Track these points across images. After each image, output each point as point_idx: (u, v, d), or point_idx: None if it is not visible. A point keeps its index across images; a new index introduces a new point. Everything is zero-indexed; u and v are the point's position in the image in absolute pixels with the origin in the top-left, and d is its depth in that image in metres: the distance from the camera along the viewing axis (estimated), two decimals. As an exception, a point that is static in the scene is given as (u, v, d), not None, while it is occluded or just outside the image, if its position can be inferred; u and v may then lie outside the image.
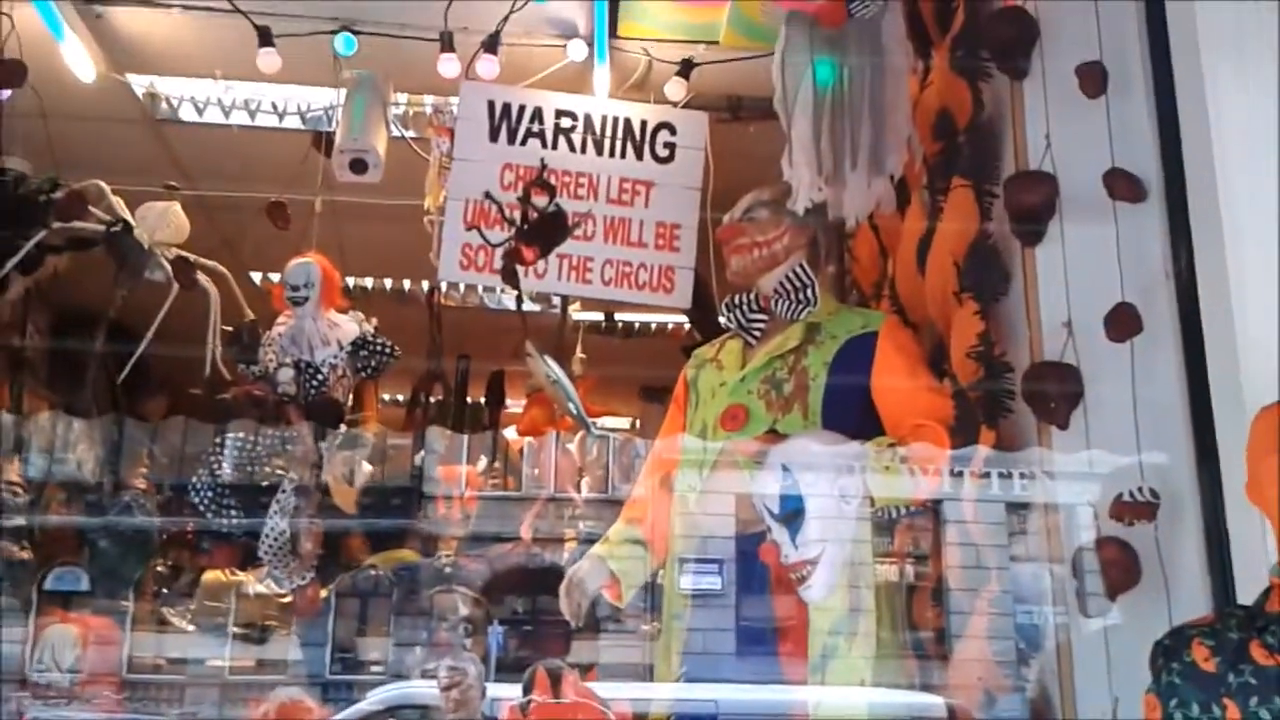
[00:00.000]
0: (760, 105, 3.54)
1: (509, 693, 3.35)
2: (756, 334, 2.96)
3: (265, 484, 3.46)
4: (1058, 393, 2.43)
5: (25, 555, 3.76)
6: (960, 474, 2.58)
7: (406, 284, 5.52)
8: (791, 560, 2.56)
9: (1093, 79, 2.53)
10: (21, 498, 3.89)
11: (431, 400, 6.01)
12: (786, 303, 2.94)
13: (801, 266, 2.98)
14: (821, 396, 2.76)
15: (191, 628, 3.52)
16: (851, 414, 2.75)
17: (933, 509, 2.76)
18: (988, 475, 2.58)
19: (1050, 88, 2.62)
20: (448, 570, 3.77)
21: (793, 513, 2.56)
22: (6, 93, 3.56)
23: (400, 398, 5.94)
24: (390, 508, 4.37)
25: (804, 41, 2.93)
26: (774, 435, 2.72)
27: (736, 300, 3.00)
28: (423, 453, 5.43)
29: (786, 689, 2.59)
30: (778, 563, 2.61)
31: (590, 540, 3.34)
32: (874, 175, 2.87)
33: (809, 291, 2.95)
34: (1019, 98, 2.73)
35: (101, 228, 3.54)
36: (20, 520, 3.79)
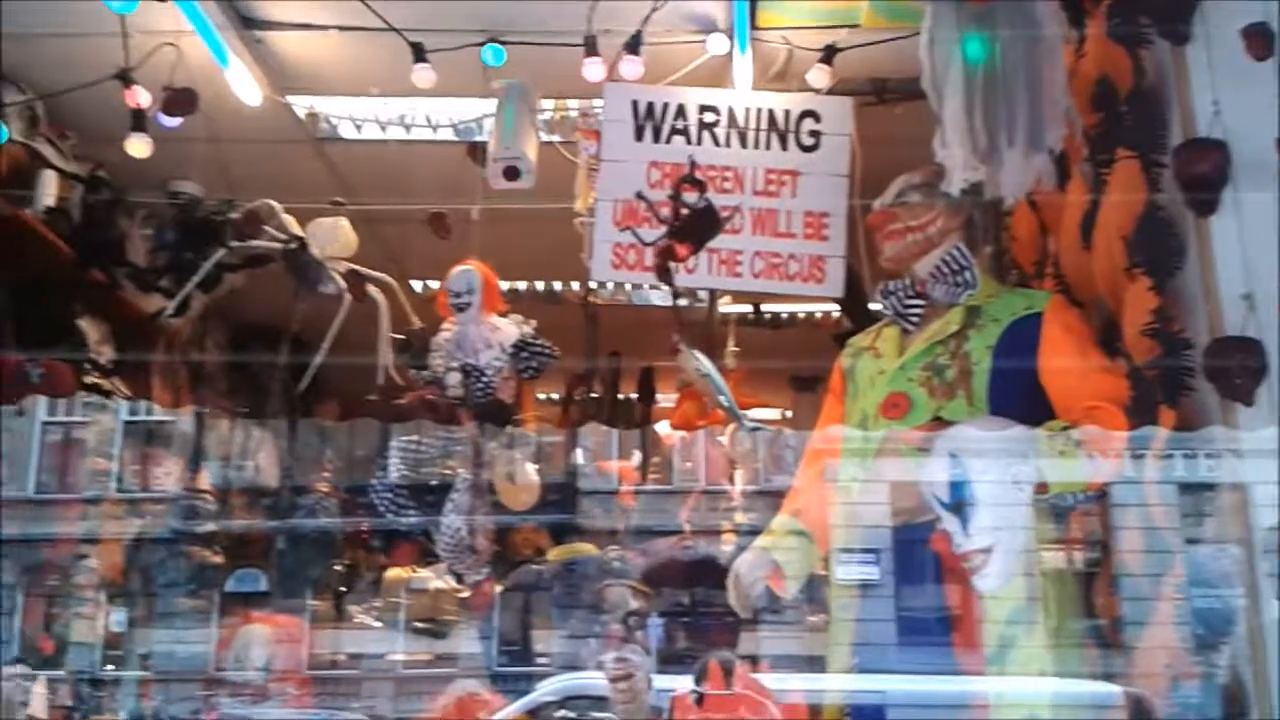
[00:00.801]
0: (906, 87, 3.49)
1: (673, 684, 3.39)
2: (914, 320, 2.92)
3: (439, 484, 3.59)
4: (1241, 368, 2.34)
5: (217, 559, 3.99)
6: (1140, 456, 2.50)
7: (558, 285, 5.62)
8: (964, 549, 2.53)
9: (1259, 41, 2.43)
10: (212, 505, 4.13)
11: (585, 397, 6.13)
12: (944, 286, 2.90)
13: (958, 249, 2.93)
14: (986, 381, 2.72)
15: (378, 624, 3.68)
16: (1018, 398, 2.69)
17: (1106, 493, 2.68)
18: (1170, 456, 2.49)
19: (1214, 52, 2.51)
20: (616, 564, 3.84)
21: (963, 501, 2.52)
22: (179, 120, 3.76)
23: (554, 396, 6.07)
24: (548, 504, 4.47)
25: (951, 18, 2.87)
26: (938, 423, 2.69)
27: (892, 287, 2.97)
28: (579, 449, 5.54)
29: (963, 680, 2.55)
30: (949, 552, 2.57)
31: (751, 533, 3.36)
32: (1032, 151, 2.80)
33: (967, 274, 2.90)
34: (1182, 64, 2.62)
35: (277, 245, 3.72)
36: (212, 526, 4.02)
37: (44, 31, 3.75)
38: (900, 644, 2.71)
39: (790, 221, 3.74)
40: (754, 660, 3.31)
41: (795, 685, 2.88)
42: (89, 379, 4.18)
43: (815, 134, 3.82)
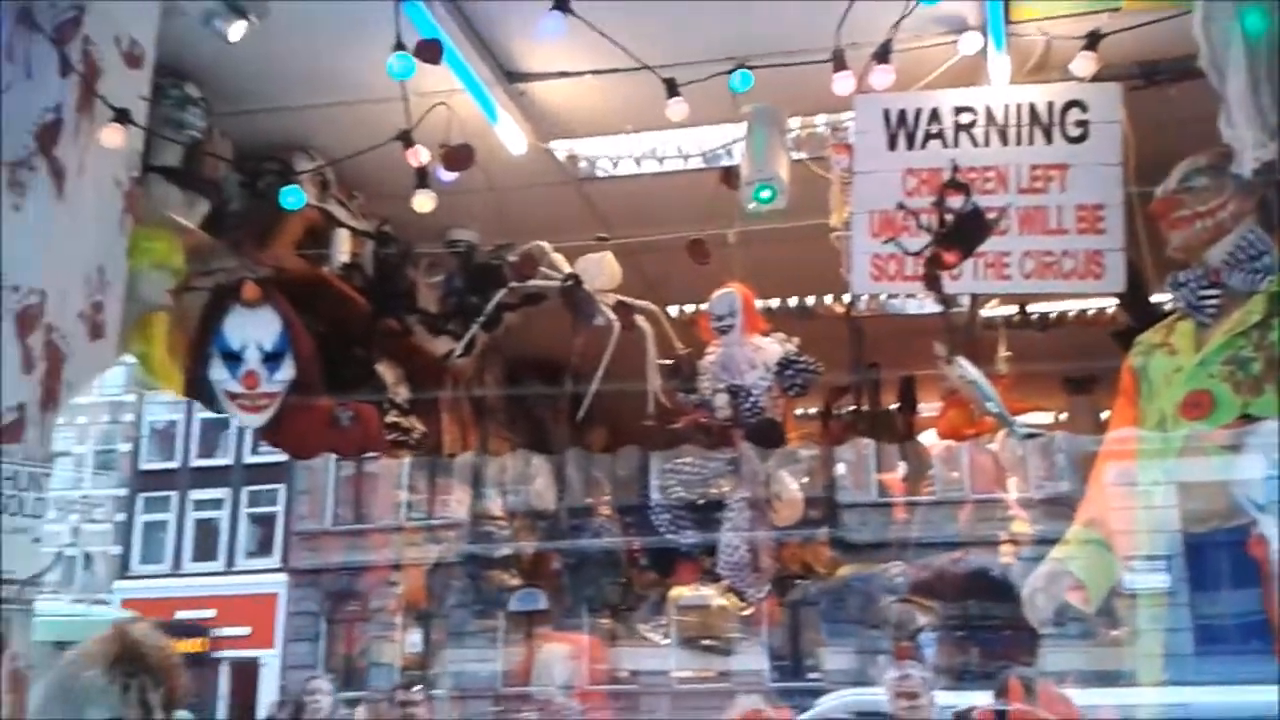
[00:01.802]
0: (1178, 66, 3.30)
1: (957, 700, 3.30)
2: (1211, 312, 2.76)
3: (715, 503, 3.66)
4: None
5: (515, 582, 4.22)
6: None
7: (810, 300, 5.61)
8: (1287, 553, 2.36)
9: None
10: (505, 529, 4.37)
11: (844, 411, 6.08)
12: (1241, 274, 2.73)
13: (1254, 232, 2.75)
14: (1299, 372, 2.53)
15: (665, 641, 3.78)
16: (1336, 388, 2.49)
17: None
18: None
19: None
20: (899, 580, 3.80)
21: (1283, 502, 2.35)
22: (455, 174, 4.02)
23: (810, 411, 6.05)
24: (811, 520, 4.47)
25: (1226, -9, 2.71)
26: (1246, 420, 2.52)
27: (1183, 278, 2.82)
28: (840, 464, 5.49)
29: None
30: (1266, 557, 2.41)
31: (1043, 543, 3.24)
32: (1329, 122, 2.60)
33: (1266, 259, 2.72)
34: None
35: (554, 284, 3.92)
36: (507, 550, 4.25)
37: (328, 102, 4.12)
38: (1213, 654, 2.56)
39: (1061, 217, 3.59)
40: (1061, 676, 3.19)
41: (1104, 700, 2.75)
42: (389, 419, 4.53)
43: (1082, 124, 3.66)
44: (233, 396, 3.32)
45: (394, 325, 4.56)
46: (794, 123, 4.26)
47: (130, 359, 3.65)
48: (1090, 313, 5.71)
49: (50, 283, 3.13)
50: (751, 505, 3.50)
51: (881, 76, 3.66)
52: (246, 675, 19.19)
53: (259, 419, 3.39)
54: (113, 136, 3.08)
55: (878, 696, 4.23)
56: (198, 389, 3.35)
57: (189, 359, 3.35)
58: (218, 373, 3.29)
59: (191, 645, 17.55)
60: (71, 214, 3.20)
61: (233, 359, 3.30)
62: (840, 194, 3.91)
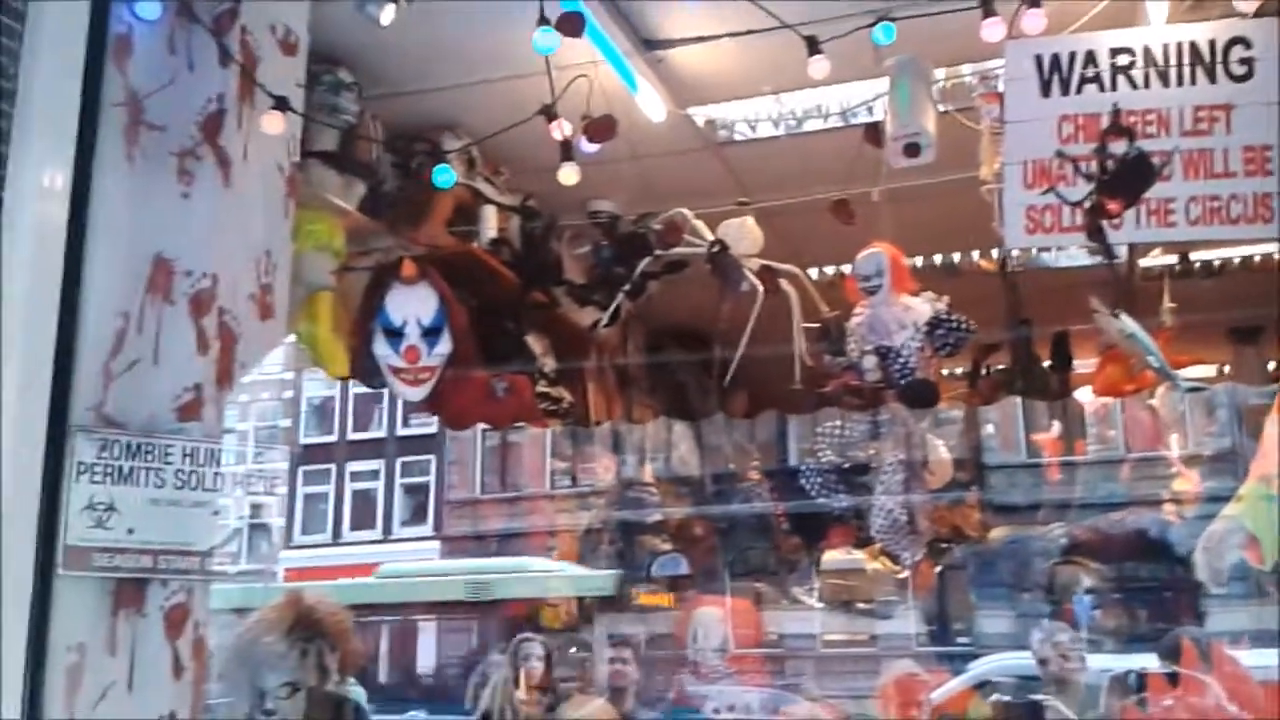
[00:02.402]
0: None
1: (1115, 663, 3.20)
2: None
3: (863, 467, 3.63)
4: None
5: (665, 546, 4.27)
6: None
7: (958, 257, 5.49)
8: None
9: None
10: (655, 496, 4.42)
11: (993, 370, 5.93)
12: None
13: None
14: None
15: (819, 605, 3.78)
16: None
17: None
18: None
19: None
20: (1060, 541, 3.70)
21: None
22: (597, 145, 4.05)
23: (958, 371, 5.92)
24: (958, 482, 4.38)
25: None
26: None
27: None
28: (989, 424, 5.37)
29: None
30: None
31: (1208, 501, 3.12)
32: None
33: None
34: None
35: (698, 250, 3.93)
36: (658, 515, 4.31)
37: (473, 81, 4.20)
38: None
39: (1227, 159, 3.42)
40: (1235, 636, 3.07)
41: (1273, 661, 2.64)
42: (539, 389, 4.63)
43: (1246, 61, 3.47)
44: (395, 371, 3.44)
45: (541, 298, 4.65)
46: (939, 74, 4.16)
47: (295, 339, 3.82)
48: (1257, 259, 5.43)
49: (221, 267, 3.30)
50: (905, 467, 3.45)
51: (1033, 21, 3.53)
52: (406, 637, 19.99)
53: (420, 392, 3.51)
54: (273, 123, 3.21)
55: (1028, 660, 4.16)
56: (363, 365, 3.49)
57: (354, 336, 3.49)
58: (381, 348, 3.41)
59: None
60: (238, 200, 3.35)
61: (394, 335, 3.43)
62: (991, 145, 3.80)
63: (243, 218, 3.37)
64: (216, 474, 3.14)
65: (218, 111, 3.34)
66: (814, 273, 4.99)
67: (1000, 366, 5.86)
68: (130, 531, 2.93)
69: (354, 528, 21.77)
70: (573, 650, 4.04)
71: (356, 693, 3.74)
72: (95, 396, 2.99)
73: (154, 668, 2.99)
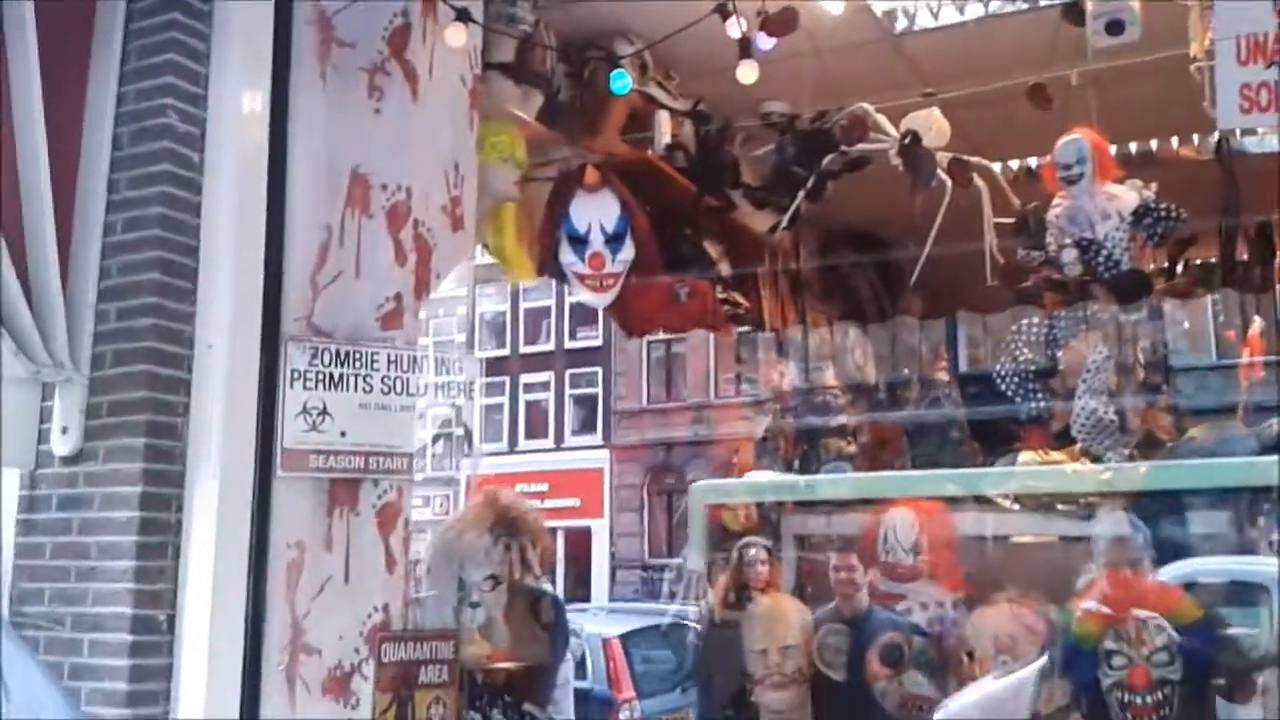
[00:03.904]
0: None
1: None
2: None
3: (1053, 369, 3.49)
4: None
5: (851, 449, 4.23)
6: None
7: (1161, 142, 5.15)
8: None
9: None
10: (842, 399, 4.38)
11: (1192, 262, 5.61)
12: None
13: None
14: None
15: (1016, 507, 3.69)
16: None
17: None
18: None
19: None
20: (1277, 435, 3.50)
21: None
22: (773, 41, 3.93)
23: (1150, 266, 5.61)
24: (1148, 384, 4.16)
25: None
26: None
27: None
28: (1184, 322, 5.08)
29: None
30: None
31: None
32: None
33: None
34: None
35: (887, 145, 3.81)
36: (843, 419, 4.27)
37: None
38: None
39: None
40: None
41: None
42: (718, 295, 4.61)
43: None
44: (581, 278, 3.48)
45: (715, 202, 4.60)
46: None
47: (484, 250, 3.90)
48: None
49: (414, 180, 3.38)
50: (1110, 366, 3.30)
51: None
52: (580, 542, 20.64)
53: (605, 298, 3.55)
54: (456, 36, 3.23)
55: (1243, 564, 3.98)
56: (550, 273, 3.54)
57: (541, 245, 3.54)
58: (566, 256, 3.45)
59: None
60: (426, 113, 3.41)
61: (579, 242, 3.45)
62: (1201, 20, 3.52)
63: (431, 131, 3.44)
64: (420, 380, 3.25)
65: (403, 26, 3.39)
66: (998, 168, 4.78)
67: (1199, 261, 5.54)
68: (343, 434, 3.08)
69: (528, 437, 22.48)
70: (752, 552, 4.08)
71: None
72: (304, 308, 3.13)
73: (368, 562, 3.16)
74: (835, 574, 3.68)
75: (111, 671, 2.79)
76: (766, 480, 4.42)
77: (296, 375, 3.06)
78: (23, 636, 2.60)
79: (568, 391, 22.72)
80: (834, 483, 4.15)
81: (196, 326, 3.00)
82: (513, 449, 22.10)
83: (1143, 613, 2.91)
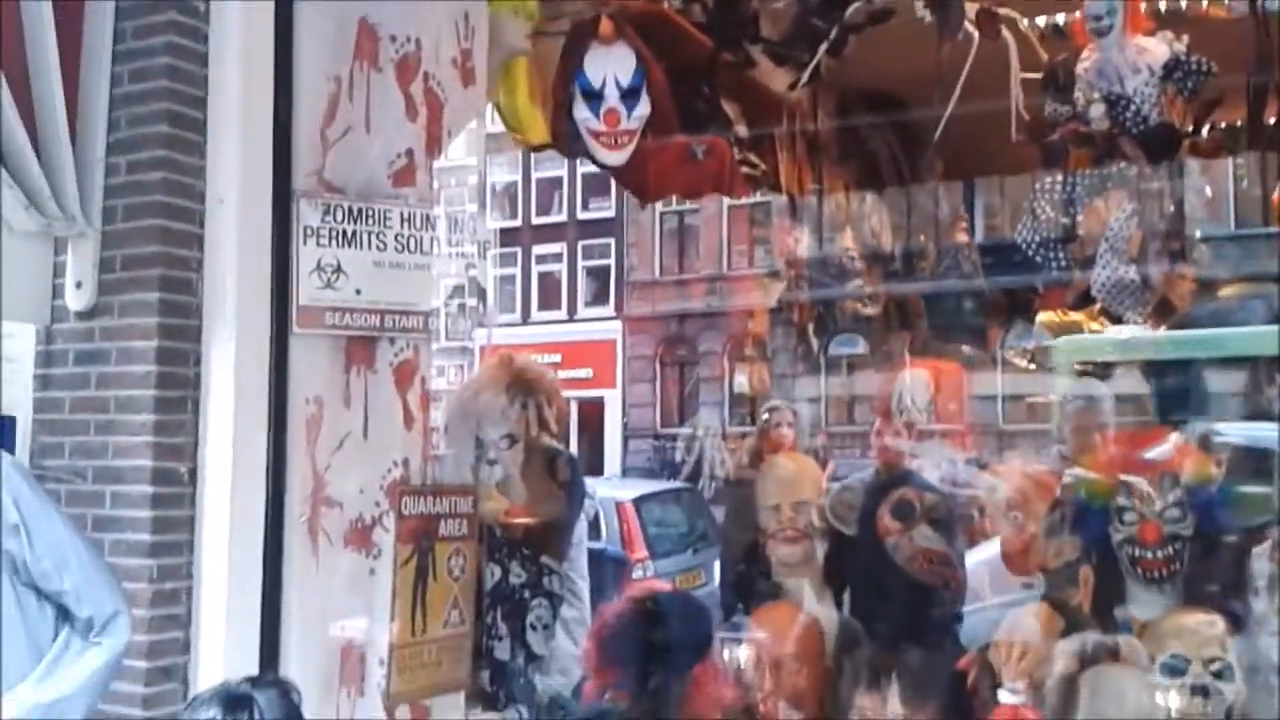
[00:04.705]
0: None
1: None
2: None
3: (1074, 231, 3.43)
4: None
5: (870, 311, 4.21)
6: None
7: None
8: None
9: None
10: (859, 261, 4.33)
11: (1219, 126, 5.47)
12: None
13: None
14: None
15: (1032, 366, 3.68)
16: None
17: None
18: None
19: None
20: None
21: None
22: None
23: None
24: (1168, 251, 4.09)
25: None
26: None
27: None
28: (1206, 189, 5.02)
29: None
30: None
31: None
32: None
33: None
34: None
35: (910, -6, 3.66)
36: (860, 281, 4.23)
37: None
38: None
39: None
40: None
41: None
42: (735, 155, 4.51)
43: None
44: (595, 135, 3.40)
45: (732, 58, 4.45)
46: None
47: (495, 109, 3.81)
48: None
49: (422, 31, 3.29)
50: (1139, 220, 3.24)
51: None
52: (594, 412, 20.90)
53: (620, 156, 3.46)
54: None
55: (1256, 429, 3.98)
56: (563, 130, 3.46)
57: (554, 100, 3.45)
58: (580, 111, 3.36)
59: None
60: (436, -40, 3.30)
61: (594, 97, 3.36)
62: None
63: (441, -22, 3.33)
64: (433, 238, 3.22)
65: None
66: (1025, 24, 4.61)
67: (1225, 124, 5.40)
68: (358, 292, 3.07)
69: (541, 308, 22.55)
70: (779, 415, 4.10)
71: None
72: (315, 163, 3.08)
73: (386, 418, 3.19)
74: (878, 439, 3.68)
75: (134, 523, 2.84)
76: (1128, 335, 4.21)
77: (310, 232, 3.03)
78: (45, 489, 2.63)
79: (580, 263, 22.67)
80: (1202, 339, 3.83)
81: (207, 181, 2.96)
82: (525, 320, 22.20)
83: (1153, 470, 2.92)
